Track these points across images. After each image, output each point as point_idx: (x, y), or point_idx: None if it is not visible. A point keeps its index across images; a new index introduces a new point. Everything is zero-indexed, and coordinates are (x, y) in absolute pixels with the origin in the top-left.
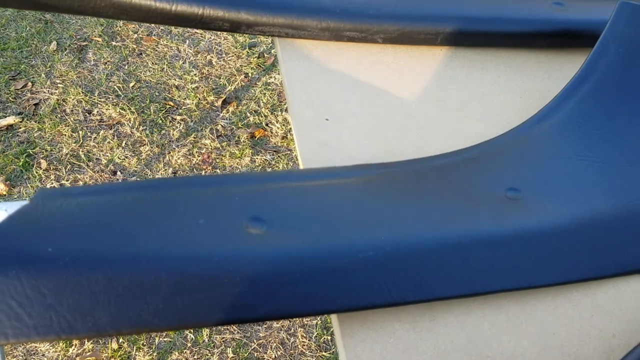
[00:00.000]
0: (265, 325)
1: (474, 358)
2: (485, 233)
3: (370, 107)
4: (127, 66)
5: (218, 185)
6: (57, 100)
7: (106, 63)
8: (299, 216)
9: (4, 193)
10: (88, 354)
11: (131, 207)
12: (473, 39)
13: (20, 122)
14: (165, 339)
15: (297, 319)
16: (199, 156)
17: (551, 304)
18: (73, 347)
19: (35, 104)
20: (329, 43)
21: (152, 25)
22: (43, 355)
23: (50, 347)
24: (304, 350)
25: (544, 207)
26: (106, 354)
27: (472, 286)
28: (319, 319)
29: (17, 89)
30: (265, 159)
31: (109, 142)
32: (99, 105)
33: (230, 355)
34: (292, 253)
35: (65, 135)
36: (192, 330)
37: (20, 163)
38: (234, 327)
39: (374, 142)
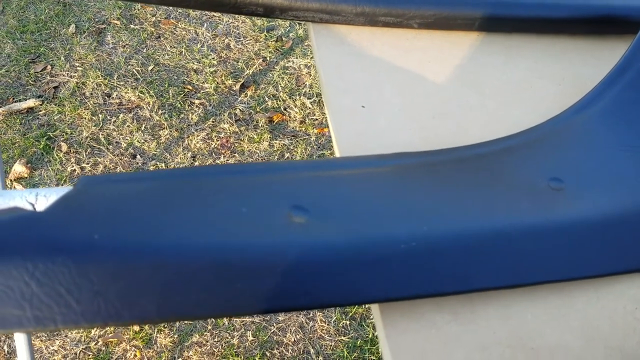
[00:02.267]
0: None
1: (517, 350)
2: (527, 224)
3: (406, 94)
4: (145, 49)
5: (259, 174)
6: (77, 83)
7: (125, 46)
8: (340, 205)
9: (25, 175)
10: (110, 335)
11: (174, 194)
12: (510, 24)
13: (41, 105)
14: (186, 322)
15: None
16: (217, 140)
17: (593, 296)
18: (95, 328)
19: (55, 87)
20: (363, 28)
21: (170, 8)
22: (66, 336)
23: None
24: (323, 335)
25: (587, 197)
26: (128, 336)
27: (513, 277)
28: None
29: (37, 72)
30: (283, 144)
31: (128, 126)
32: (118, 89)
33: (250, 338)
34: (335, 243)
35: (85, 118)
36: None
37: (41, 146)
38: None
39: (410, 130)
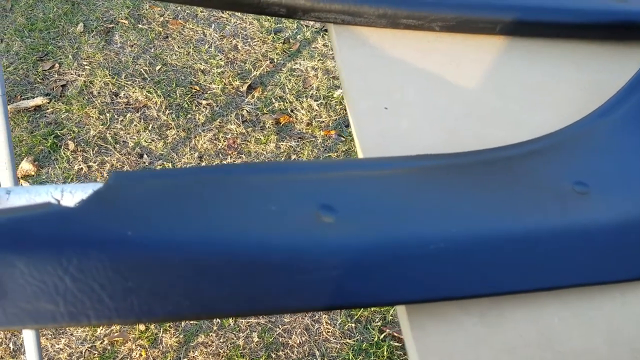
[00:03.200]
0: None
1: (545, 353)
2: (553, 227)
3: (429, 96)
4: (153, 49)
5: (287, 172)
6: (84, 82)
7: (132, 46)
8: (368, 205)
9: (32, 173)
10: (116, 334)
11: (205, 191)
12: (531, 29)
13: (48, 103)
14: (192, 322)
15: None
16: (224, 141)
17: (619, 300)
18: (101, 327)
19: (63, 85)
20: (384, 30)
21: (178, 8)
22: (71, 334)
23: (78, 327)
24: (329, 337)
25: (612, 201)
26: (133, 335)
27: (540, 281)
28: None
29: (45, 70)
30: (290, 146)
31: (135, 125)
32: (125, 88)
33: (256, 339)
34: (363, 243)
35: (92, 117)
36: None
37: (48, 144)
38: None
39: (433, 132)
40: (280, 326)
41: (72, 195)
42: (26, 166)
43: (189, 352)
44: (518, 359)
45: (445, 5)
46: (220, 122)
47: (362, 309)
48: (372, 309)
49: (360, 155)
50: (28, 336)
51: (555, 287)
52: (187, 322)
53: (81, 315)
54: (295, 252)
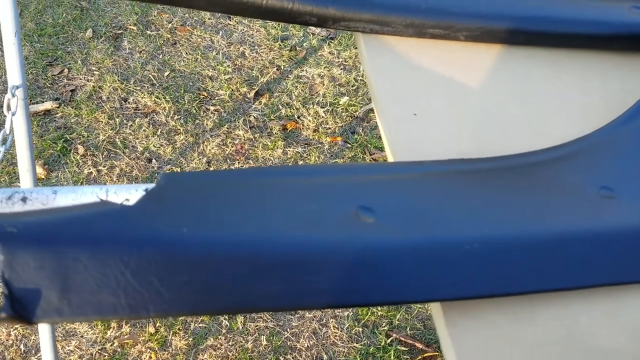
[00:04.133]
0: (298, 315)
1: (573, 350)
2: (581, 230)
3: (456, 103)
4: (161, 55)
5: (327, 175)
6: (94, 87)
7: (141, 52)
8: (404, 207)
9: (42, 177)
10: (125, 336)
11: (252, 192)
12: (554, 39)
13: (58, 107)
14: (200, 325)
15: (330, 310)
16: (232, 146)
17: None
18: (111, 329)
19: (72, 90)
20: (411, 39)
21: (186, 15)
22: (82, 336)
23: (89, 329)
24: (336, 341)
25: (638, 205)
26: (143, 337)
27: (569, 280)
28: (350, 311)
29: (54, 75)
30: (297, 151)
31: (144, 130)
32: (134, 94)
33: (264, 343)
34: (402, 242)
35: (101, 122)
36: (227, 317)
37: (58, 148)
38: (268, 315)
39: (461, 138)
40: (288, 330)
41: (116, 196)
42: (36, 170)
43: (198, 354)
44: (548, 355)
45: (471, 15)
46: (228, 128)
47: (369, 313)
48: (379, 313)
49: (391, 160)
50: (44, 337)
51: (583, 287)
52: (195, 325)
53: (140, 308)
54: (337, 250)
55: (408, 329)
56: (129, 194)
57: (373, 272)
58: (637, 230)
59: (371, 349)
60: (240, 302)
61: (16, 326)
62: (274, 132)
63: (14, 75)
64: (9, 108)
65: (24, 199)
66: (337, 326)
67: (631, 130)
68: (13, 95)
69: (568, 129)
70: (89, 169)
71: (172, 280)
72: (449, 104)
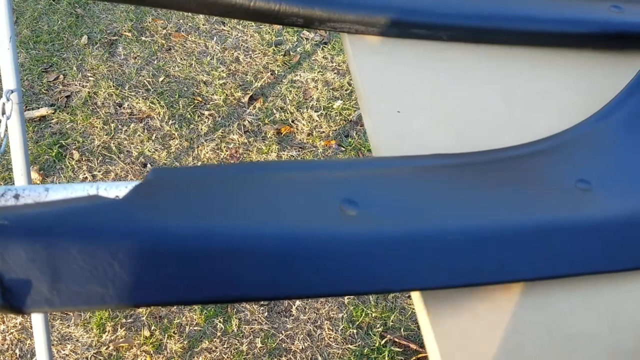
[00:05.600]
0: (293, 317)
1: (555, 336)
2: (559, 220)
3: (440, 101)
4: (156, 61)
5: (313, 170)
6: (89, 92)
7: (136, 57)
8: (388, 200)
9: (38, 182)
10: (121, 340)
11: (239, 186)
12: (533, 38)
13: (53, 113)
14: (195, 328)
15: (324, 311)
16: (226, 151)
17: (624, 288)
18: (106, 333)
19: (67, 96)
20: (396, 39)
21: (181, 21)
22: (77, 340)
23: (85, 333)
24: (331, 343)
25: (613, 197)
26: (138, 341)
27: (548, 269)
28: (345, 312)
29: (50, 81)
30: (291, 155)
31: (139, 135)
32: (129, 99)
33: (259, 345)
34: (384, 234)
35: (96, 127)
36: (221, 320)
37: (53, 153)
38: (262, 318)
39: (445, 134)
40: (283, 332)
41: (107, 192)
42: (32, 175)
43: (193, 357)
44: (529, 342)
45: (453, 16)
46: (222, 132)
47: (363, 315)
48: (374, 314)
49: (375, 155)
50: (39, 341)
51: (563, 276)
52: (190, 327)
53: (128, 298)
54: (320, 241)
55: (402, 330)
56: (119, 191)
57: (355, 262)
58: (613, 221)
59: (365, 350)
60: (224, 292)
61: (12, 330)
62: (268, 136)
63: (9, 80)
64: (3, 112)
65: (16, 196)
66: (331, 328)
67: (607, 126)
68: (8, 100)
69: (549, 125)
70: (84, 174)
71: (159, 271)
72: (432, 102)
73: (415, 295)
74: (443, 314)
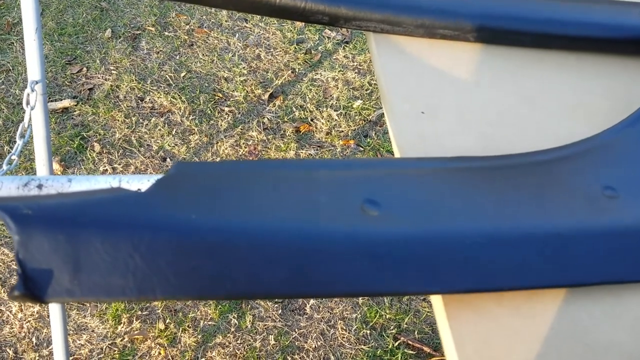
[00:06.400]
0: (306, 316)
1: (573, 345)
2: (584, 228)
3: (464, 103)
4: (178, 56)
5: (336, 168)
6: (111, 86)
7: (158, 52)
8: (410, 201)
9: (59, 173)
10: (136, 332)
11: (262, 182)
12: (561, 42)
13: (75, 105)
14: (210, 322)
15: (338, 311)
16: (245, 147)
17: None
18: (122, 324)
19: (90, 89)
20: (421, 40)
21: (204, 17)
22: (93, 331)
23: (100, 324)
24: (344, 343)
25: None
26: (153, 333)
27: (571, 277)
28: (358, 312)
29: (73, 74)
30: (309, 154)
31: (159, 130)
32: (151, 93)
33: (272, 342)
34: (405, 235)
35: (118, 120)
36: (236, 316)
37: (75, 145)
38: (276, 315)
39: (468, 136)
40: (296, 330)
41: (129, 185)
42: (53, 166)
43: (207, 352)
44: (549, 350)
45: (480, 17)
46: (241, 129)
47: (377, 316)
48: (388, 316)
49: (398, 156)
50: (56, 330)
51: (585, 284)
52: (205, 322)
53: (148, 291)
54: (341, 241)
55: (416, 332)
56: (141, 184)
57: (375, 263)
58: (639, 230)
59: (378, 352)
60: (245, 288)
61: (30, 318)
62: (287, 134)
63: (34, 71)
64: (27, 102)
65: (39, 186)
66: (345, 328)
67: (635, 133)
68: (32, 90)
69: (574, 130)
70: (105, 166)
71: (180, 264)
72: (456, 103)
73: (435, 299)
74: (462, 318)
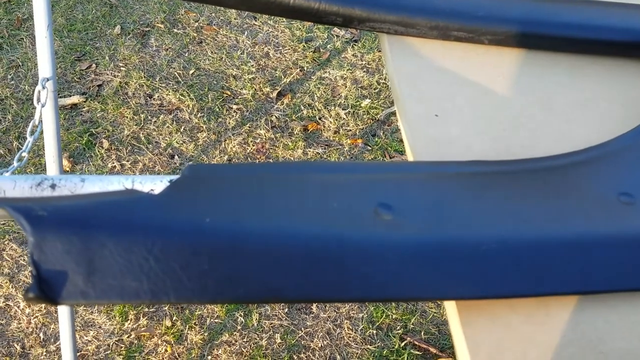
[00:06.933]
0: (313, 315)
1: (588, 353)
2: (599, 234)
3: (478, 106)
4: (187, 54)
5: (349, 172)
6: (120, 82)
7: (167, 49)
8: (423, 206)
9: (67, 169)
10: (142, 329)
11: (274, 186)
12: (577, 45)
13: (84, 102)
14: (216, 320)
15: (344, 310)
16: (253, 145)
17: None
18: (129, 321)
19: (99, 85)
20: (435, 42)
21: (213, 14)
22: (100, 327)
23: (107, 320)
24: (350, 342)
25: None
26: (160, 330)
27: (585, 284)
28: (365, 312)
29: (82, 70)
30: (317, 152)
31: (168, 127)
32: (159, 90)
33: (278, 340)
34: (419, 240)
35: (126, 117)
36: (242, 314)
37: (84, 141)
38: (282, 314)
39: (482, 140)
40: (302, 329)
41: (142, 185)
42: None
43: (213, 349)
44: (563, 357)
45: (495, 20)
46: (249, 127)
47: (383, 316)
48: (394, 316)
49: (411, 159)
50: (64, 326)
51: (601, 291)
52: (211, 320)
53: (162, 294)
54: (355, 245)
55: (422, 333)
56: (154, 185)
57: (388, 268)
58: None
59: (385, 352)
60: (258, 293)
61: (37, 314)
62: (295, 133)
63: (45, 68)
64: (38, 100)
65: (52, 186)
66: (351, 327)
67: None
68: (43, 87)
69: (589, 134)
70: (113, 162)
71: (194, 268)
72: (470, 106)
73: (449, 305)
74: (476, 324)
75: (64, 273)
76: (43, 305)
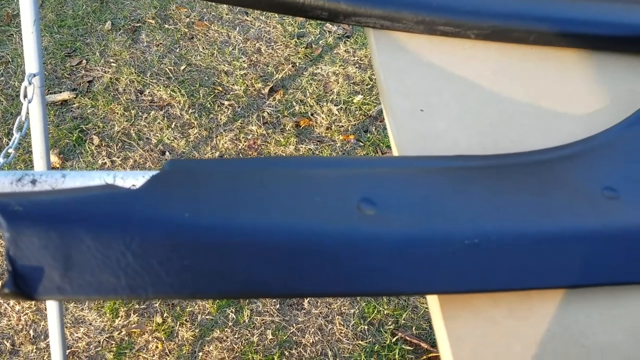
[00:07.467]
0: (304, 311)
1: (570, 346)
2: (583, 229)
3: (465, 101)
4: (178, 49)
5: (332, 167)
6: (111, 78)
7: (158, 45)
8: (406, 200)
9: (57, 166)
10: (133, 325)
11: (255, 180)
12: (564, 40)
13: (75, 98)
14: (207, 317)
15: (336, 306)
16: (245, 142)
17: None
18: (119, 318)
19: (89, 81)
20: (421, 36)
21: (204, 10)
22: (90, 324)
23: (98, 317)
24: (341, 338)
25: None
26: (150, 327)
27: (568, 278)
28: (356, 308)
29: (72, 66)
30: (309, 148)
31: (159, 123)
32: (150, 86)
33: (270, 337)
34: (401, 235)
35: (117, 113)
36: (233, 310)
37: (74, 138)
38: (274, 310)
39: (468, 135)
40: (294, 325)
41: (123, 181)
42: (51, 159)
43: (204, 346)
44: (546, 351)
45: (482, 14)
46: (241, 123)
47: (375, 312)
48: (386, 312)
49: (396, 154)
50: (53, 323)
51: (583, 285)
52: (202, 316)
53: (140, 289)
54: (336, 240)
55: (414, 328)
56: (135, 180)
57: (370, 263)
58: (638, 231)
59: (376, 347)
60: (238, 288)
61: (27, 311)
62: (287, 129)
63: (32, 64)
64: (25, 95)
65: (33, 181)
66: (342, 323)
67: (636, 133)
68: (30, 83)
69: (576, 129)
70: (103, 159)
71: (172, 263)
72: (456, 101)
73: (431, 299)
74: (459, 319)
75: (41, 268)
76: (27, 301)
